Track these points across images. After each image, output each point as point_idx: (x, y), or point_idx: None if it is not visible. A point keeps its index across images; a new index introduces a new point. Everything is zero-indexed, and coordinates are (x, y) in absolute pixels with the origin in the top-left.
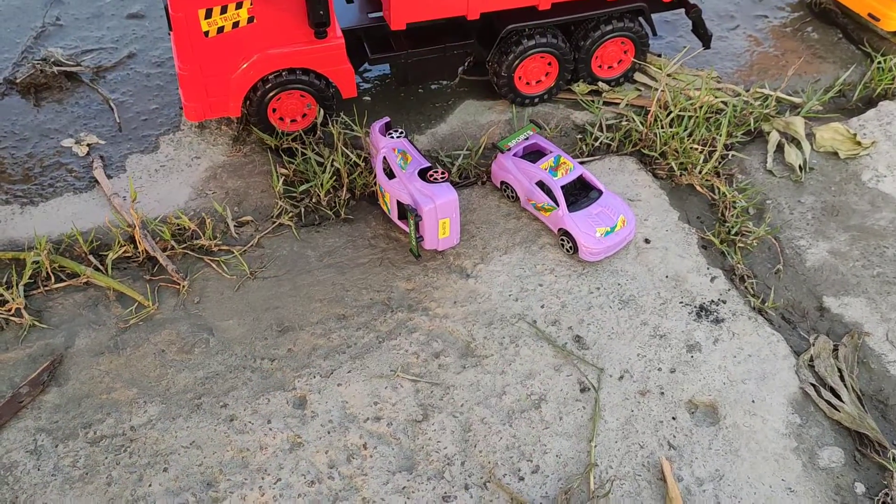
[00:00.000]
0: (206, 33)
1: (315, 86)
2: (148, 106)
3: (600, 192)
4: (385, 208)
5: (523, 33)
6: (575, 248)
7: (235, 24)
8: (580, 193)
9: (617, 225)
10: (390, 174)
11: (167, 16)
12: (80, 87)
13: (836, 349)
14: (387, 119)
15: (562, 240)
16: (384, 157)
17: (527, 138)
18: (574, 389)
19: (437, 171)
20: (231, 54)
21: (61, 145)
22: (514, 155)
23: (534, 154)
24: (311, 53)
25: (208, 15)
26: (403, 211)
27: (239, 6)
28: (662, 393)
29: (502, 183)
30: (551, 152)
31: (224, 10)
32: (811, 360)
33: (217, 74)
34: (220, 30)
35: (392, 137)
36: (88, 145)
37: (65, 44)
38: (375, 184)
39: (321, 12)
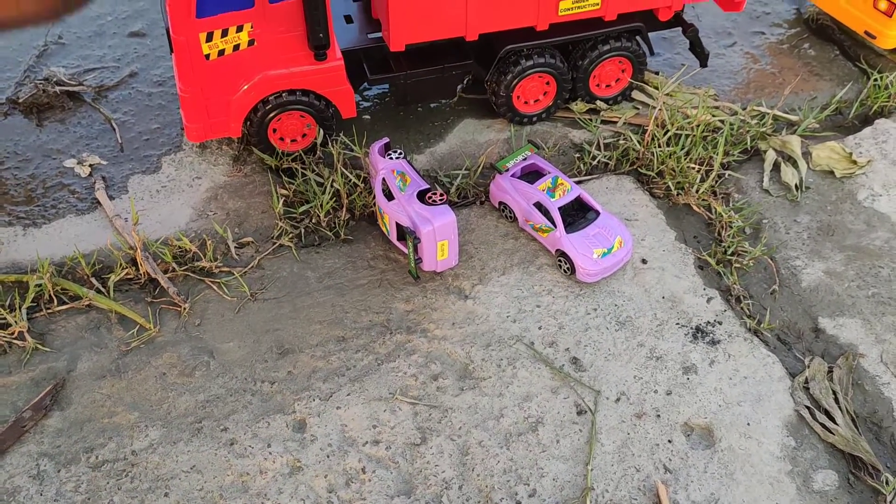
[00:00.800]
0: (207, 56)
1: (315, 106)
2: (150, 125)
3: (597, 213)
4: (384, 229)
5: (522, 53)
6: (572, 269)
7: (236, 47)
8: (577, 214)
9: (614, 246)
10: (389, 195)
11: (168, 38)
12: (83, 106)
13: (830, 371)
14: (386, 140)
15: (559, 261)
16: (383, 179)
17: (524, 159)
18: (571, 412)
19: (435, 193)
20: (232, 76)
21: (64, 166)
22: (513, 175)
23: (532, 174)
24: (311, 75)
25: (209, 38)
26: (402, 232)
27: (239, 29)
28: (658, 416)
29: (500, 203)
30: (549, 173)
31: (225, 34)
32: (806, 382)
33: (218, 96)
34: (221, 52)
35: (391, 158)
36: (91, 166)
37: (67, 62)
38: (374, 204)
39: (321, 35)
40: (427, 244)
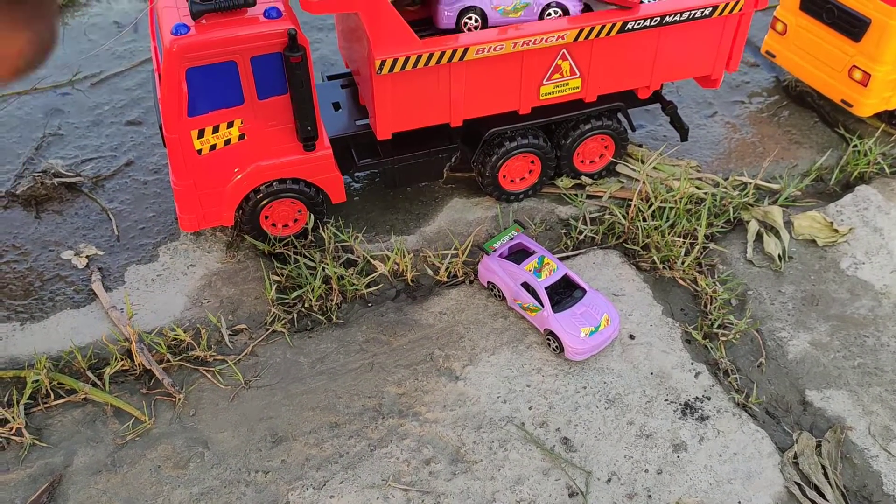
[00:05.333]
0: (199, 151)
1: (305, 193)
2: (145, 214)
3: (584, 292)
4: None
5: (506, 135)
6: (561, 348)
7: (227, 142)
8: (565, 293)
9: (601, 324)
10: None
11: (161, 134)
12: (80, 197)
13: (819, 445)
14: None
15: (548, 339)
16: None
17: (511, 238)
18: (563, 494)
19: None
20: (223, 169)
21: (61, 258)
22: (500, 255)
23: (519, 253)
24: (301, 164)
25: (201, 135)
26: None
27: (230, 125)
28: (650, 496)
29: (489, 283)
30: (535, 252)
31: (216, 130)
32: (795, 457)
33: (211, 187)
34: (213, 147)
35: None
36: (87, 257)
37: (65, 153)
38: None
39: (309, 128)
40: None
